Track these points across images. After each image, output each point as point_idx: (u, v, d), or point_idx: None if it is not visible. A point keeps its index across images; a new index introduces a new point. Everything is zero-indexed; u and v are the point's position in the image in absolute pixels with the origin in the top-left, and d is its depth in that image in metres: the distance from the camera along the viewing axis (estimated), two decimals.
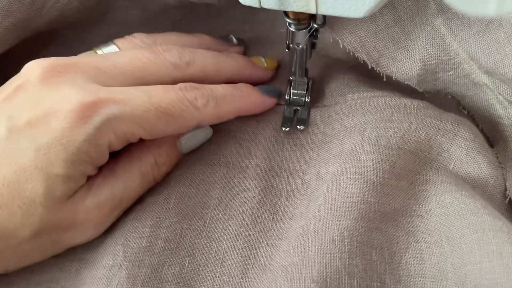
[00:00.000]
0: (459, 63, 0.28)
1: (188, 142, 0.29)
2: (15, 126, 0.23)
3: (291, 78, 0.31)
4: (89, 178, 0.25)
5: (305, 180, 0.28)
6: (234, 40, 0.35)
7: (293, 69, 0.30)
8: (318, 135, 0.30)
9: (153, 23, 0.36)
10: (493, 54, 0.27)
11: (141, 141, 0.26)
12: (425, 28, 0.28)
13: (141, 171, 0.27)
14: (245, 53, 0.35)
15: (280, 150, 0.30)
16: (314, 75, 0.33)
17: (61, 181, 0.23)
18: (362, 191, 0.25)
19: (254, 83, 0.31)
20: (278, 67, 0.34)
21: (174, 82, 0.27)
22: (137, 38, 0.30)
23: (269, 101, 0.31)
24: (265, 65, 0.33)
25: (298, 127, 0.30)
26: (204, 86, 0.28)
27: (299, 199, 0.28)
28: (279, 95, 0.32)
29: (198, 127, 0.28)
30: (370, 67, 0.29)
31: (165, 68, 0.28)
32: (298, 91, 0.31)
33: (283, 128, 0.31)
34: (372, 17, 0.28)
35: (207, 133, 0.30)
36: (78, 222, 0.24)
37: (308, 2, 0.24)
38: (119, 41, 0.30)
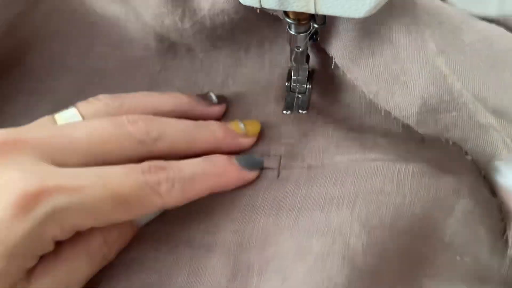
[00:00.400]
0: (463, 103, 0.26)
1: (143, 216, 0.26)
2: None
3: (293, 64, 0.29)
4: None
5: (280, 253, 0.25)
6: (214, 98, 0.31)
7: (293, 57, 0.28)
8: (299, 199, 0.27)
9: (130, 73, 0.34)
10: (499, 94, 0.26)
11: None
12: (425, 67, 0.27)
13: (88, 252, 0.23)
14: (226, 110, 0.32)
15: (252, 217, 0.27)
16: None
17: None
18: (348, 280, 0.22)
19: (233, 153, 0.29)
20: (260, 133, 0.30)
21: (138, 158, 0.25)
22: (102, 101, 0.27)
23: (249, 176, 0.28)
24: (244, 131, 0.29)
25: (300, 111, 0.28)
26: (171, 166, 0.25)
27: (271, 276, 0.24)
28: (262, 167, 0.28)
29: None
30: (368, 99, 0.28)
31: (129, 145, 0.25)
32: (300, 77, 0.29)
33: (284, 112, 0.28)
34: (371, 53, 0.28)
35: None
36: None
37: (308, 2, 0.24)
38: (81, 105, 0.27)
